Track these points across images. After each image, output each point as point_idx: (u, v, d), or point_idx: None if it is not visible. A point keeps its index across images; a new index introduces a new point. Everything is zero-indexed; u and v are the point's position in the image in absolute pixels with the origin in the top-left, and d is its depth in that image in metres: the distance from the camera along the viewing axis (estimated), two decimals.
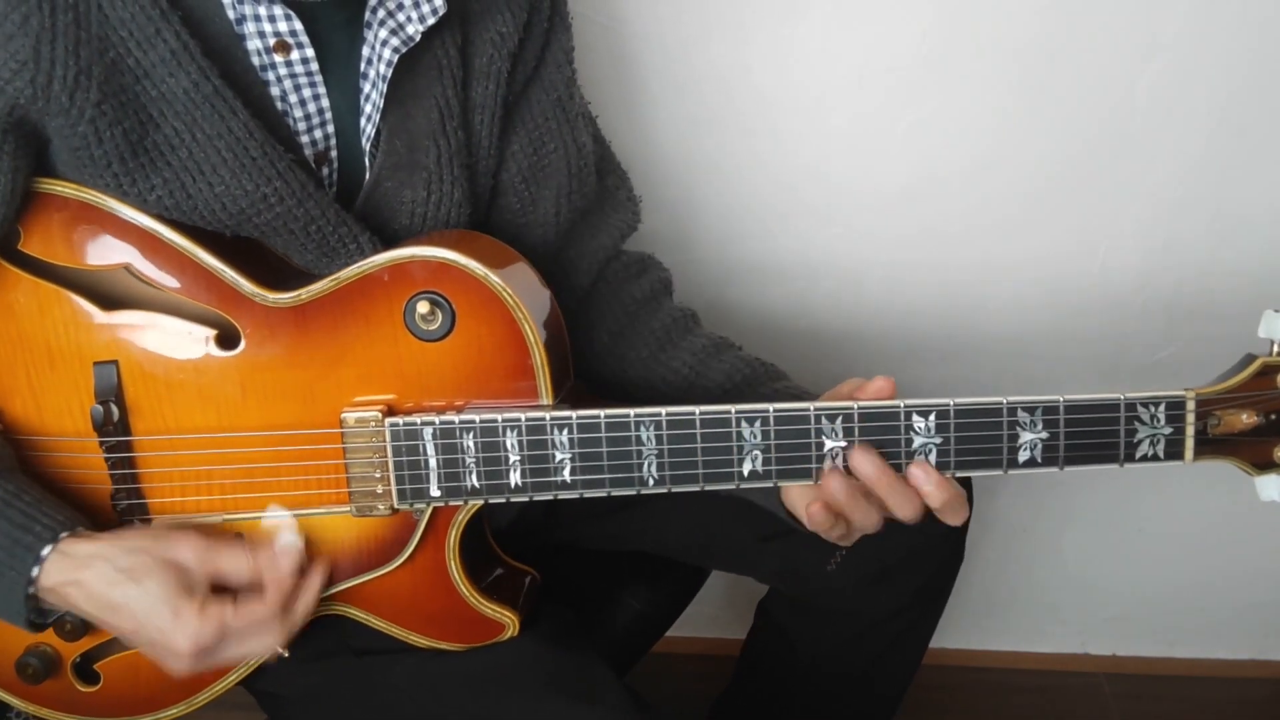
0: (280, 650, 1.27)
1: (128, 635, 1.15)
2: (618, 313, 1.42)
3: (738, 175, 1.84)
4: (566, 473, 1.16)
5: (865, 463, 1.13)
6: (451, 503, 1.20)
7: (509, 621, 1.28)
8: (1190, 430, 1.12)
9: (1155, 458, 1.13)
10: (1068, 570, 2.17)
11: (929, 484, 1.14)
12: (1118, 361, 1.92)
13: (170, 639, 1.10)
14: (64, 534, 1.13)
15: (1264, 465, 1.14)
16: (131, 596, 1.11)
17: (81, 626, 1.24)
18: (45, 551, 1.12)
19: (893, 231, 1.85)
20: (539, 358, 1.18)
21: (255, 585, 1.14)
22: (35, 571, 1.11)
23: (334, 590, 1.25)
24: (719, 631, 2.20)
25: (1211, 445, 1.13)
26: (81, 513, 1.18)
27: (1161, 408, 1.12)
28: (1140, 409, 1.12)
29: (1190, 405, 1.12)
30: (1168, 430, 1.12)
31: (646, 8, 1.73)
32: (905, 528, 1.44)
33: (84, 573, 1.12)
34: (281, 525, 1.21)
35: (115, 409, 1.20)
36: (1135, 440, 1.12)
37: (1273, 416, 1.12)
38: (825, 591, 1.51)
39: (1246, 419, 1.12)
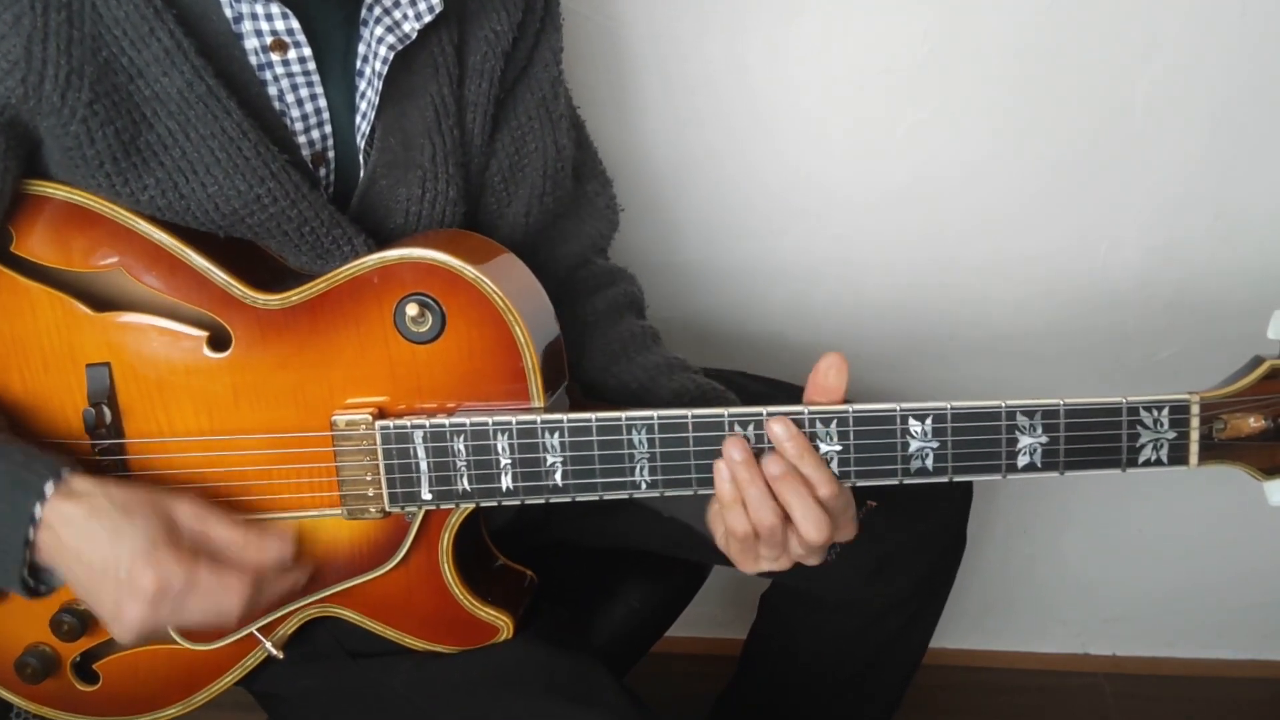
0: (276, 652, 1.27)
1: (98, 569, 1.09)
2: (576, 323, 1.41)
3: (737, 176, 1.84)
4: (558, 476, 1.16)
5: (777, 426, 1.12)
6: (443, 506, 1.20)
7: (504, 624, 1.28)
8: (1195, 435, 1.10)
9: (1159, 463, 1.11)
10: (1068, 571, 2.16)
11: (824, 484, 1.12)
12: (1118, 362, 1.92)
13: (139, 573, 1.07)
14: (64, 470, 1.10)
15: (1273, 470, 1.12)
16: (117, 527, 1.08)
17: (80, 626, 1.24)
18: (48, 488, 1.09)
19: (893, 232, 1.85)
20: (530, 360, 1.17)
21: (235, 558, 1.12)
22: (38, 509, 1.09)
23: (328, 593, 1.25)
24: (719, 631, 2.20)
25: (1217, 450, 1.11)
26: None
27: (1165, 411, 1.10)
28: (1143, 413, 1.10)
29: (1195, 409, 1.10)
30: (1171, 435, 1.11)
31: (644, 6, 1.73)
32: (906, 520, 1.44)
33: (78, 504, 1.09)
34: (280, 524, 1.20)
35: (108, 411, 1.20)
36: (1138, 445, 1.11)
37: None
38: (827, 583, 1.50)
39: (1254, 423, 1.10)
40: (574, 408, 1.19)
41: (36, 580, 1.13)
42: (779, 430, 1.11)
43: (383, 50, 1.21)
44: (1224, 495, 1.99)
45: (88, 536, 1.09)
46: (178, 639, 1.25)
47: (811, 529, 1.12)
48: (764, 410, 1.12)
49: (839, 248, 1.87)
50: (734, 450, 1.12)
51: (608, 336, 1.41)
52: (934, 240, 1.85)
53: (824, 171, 1.82)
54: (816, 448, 1.12)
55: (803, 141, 1.80)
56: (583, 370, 1.40)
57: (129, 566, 1.08)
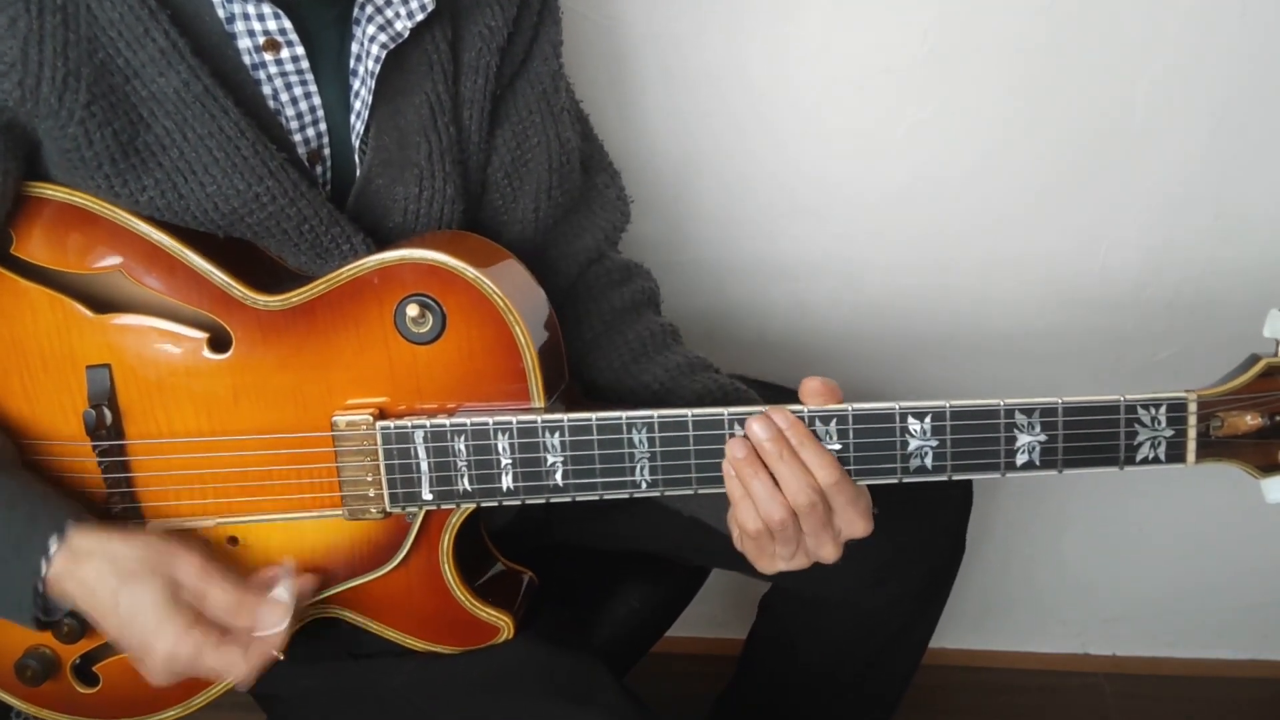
0: (276, 653, 1.27)
1: (112, 633, 1.15)
2: (594, 320, 1.41)
3: (737, 175, 1.83)
4: (559, 476, 1.16)
5: (760, 427, 1.12)
6: (443, 506, 1.20)
7: (504, 625, 1.28)
8: (1192, 433, 1.11)
9: (1156, 460, 1.12)
10: (1067, 570, 2.16)
11: (822, 467, 1.12)
12: (1118, 362, 1.92)
13: (149, 648, 1.12)
14: (69, 526, 1.13)
15: (1269, 468, 1.13)
16: (122, 598, 1.12)
17: (79, 629, 1.24)
18: (53, 547, 1.12)
19: (893, 231, 1.85)
20: (530, 360, 1.17)
21: (233, 623, 1.15)
22: (44, 568, 1.12)
23: (328, 594, 1.25)
24: (719, 631, 2.20)
25: (1214, 447, 1.12)
26: None
27: (1163, 409, 1.10)
28: (1141, 410, 1.10)
29: (1192, 407, 1.10)
30: (1169, 432, 1.11)
31: (644, 5, 1.73)
32: (906, 522, 1.44)
33: (84, 567, 1.12)
34: (282, 578, 1.21)
35: (108, 413, 1.20)
36: (1136, 443, 1.11)
37: (1278, 418, 1.11)
38: (826, 587, 1.50)
39: (1251, 421, 1.10)
40: (574, 408, 1.19)
41: (49, 617, 1.17)
42: (779, 420, 1.12)
43: (375, 49, 1.21)
44: (1224, 495, 2.00)
45: (94, 603, 1.14)
46: None
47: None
48: (763, 408, 1.13)
49: (839, 247, 1.87)
50: (735, 449, 1.13)
51: (628, 336, 1.41)
52: (934, 240, 1.85)
53: (824, 171, 1.82)
54: None
55: (803, 141, 1.80)
56: (602, 370, 1.40)
57: (136, 642, 1.13)
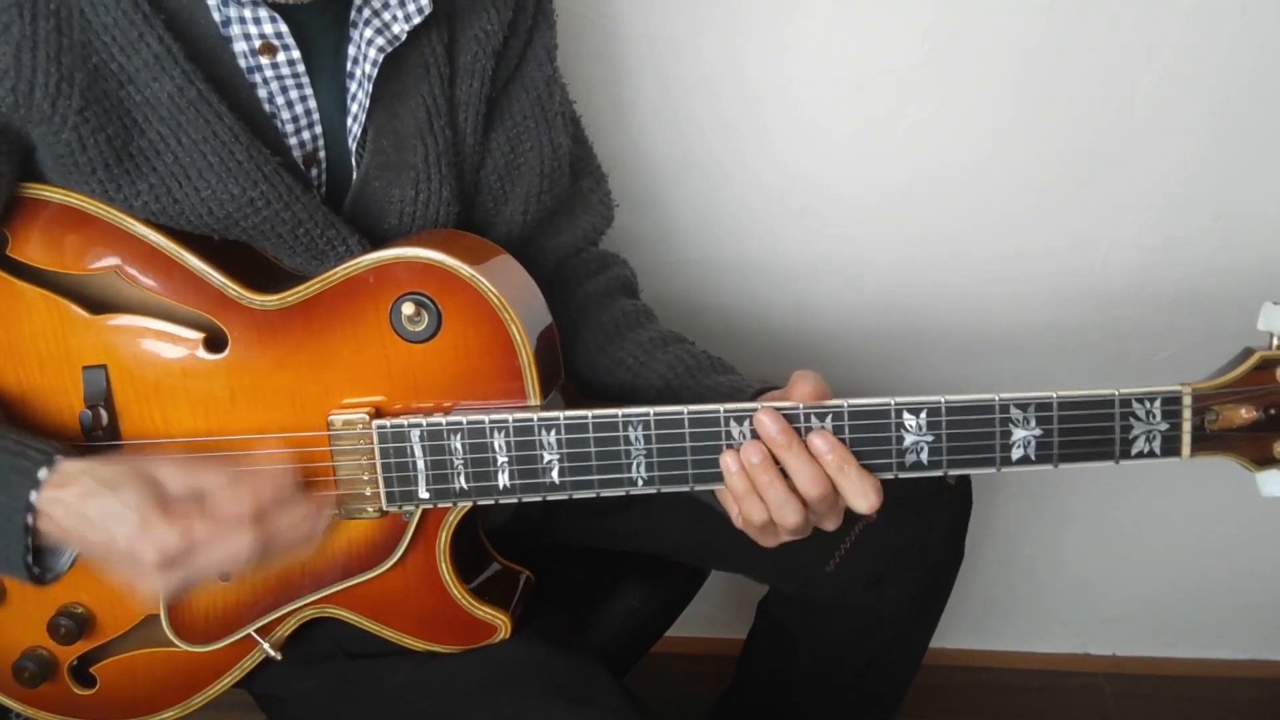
0: (274, 653, 1.27)
1: (101, 549, 1.09)
2: (569, 308, 1.41)
3: (736, 175, 1.84)
4: (555, 474, 1.16)
5: (767, 422, 1.12)
6: (440, 505, 1.20)
7: (501, 624, 1.28)
8: (1187, 426, 1.11)
9: (1152, 454, 1.12)
10: (1067, 570, 2.16)
11: (829, 452, 1.12)
12: (1118, 361, 1.92)
13: (137, 548, 1.06)
14: (57, 456, 1.10)
15: (1264, 461, 1.12)
16: (106, 505, 1.07)
17: (77, 630, 1.24)
18: (42, 474, 1.08)
19: (893, 231, 1.85)
20: (526, 358, 1.17)
21: (230, 502, 1.09)
22: (34, 496, 1.08)
23: (325, 593, 1.25)
24: (719, 631, 2.19)
25: (1209, 441, 1.12)
26: None
27: (1157, 403, 1.10)
28: (1135, 404, 1.10)
29: (1187, 400, 1.10)
30: (1164, 426, 1.11)
31: (641, 6, 1.73)
32: (906, 524, 1.44)
33: (69, 489, 1.08)
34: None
35: (104, 413, 1.20)
36: (1131, 436, 1.11)
37: (1272, 411, 1.10)
38: (825, 590, 1.50)
39: (1245, 414, 1.10)
40: (570, 405, 1.19)
41: (41, 568, 1.12)
42: (769, 429, 1.12)
43: (373, 52, 1.21)
44: (1223, 496, 1.99)
45: (83, 520, 1.08)
46: (177, 642, 1.26)
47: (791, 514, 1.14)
48: (758, 406, 1.13)
49: (838, 247, 1.87)
50: (750, 454, 1.13)
51: (600, 319, 1.41)
52: (934, 240, 1.85)
53: (824, 171, 1.82)
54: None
55: (803, 141, 1.80)
56: (577, 355, 1.40)
57: (127, 544, 1.07)
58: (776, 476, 1.13)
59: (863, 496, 1.13)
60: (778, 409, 1.12)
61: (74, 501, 1.08)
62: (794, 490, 1.13)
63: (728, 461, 1.14)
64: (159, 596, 1.13)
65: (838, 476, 1.12)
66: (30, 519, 1.09)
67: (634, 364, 1.36)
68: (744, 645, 1.76)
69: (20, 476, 1.09)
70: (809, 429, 1.12)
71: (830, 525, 1.18)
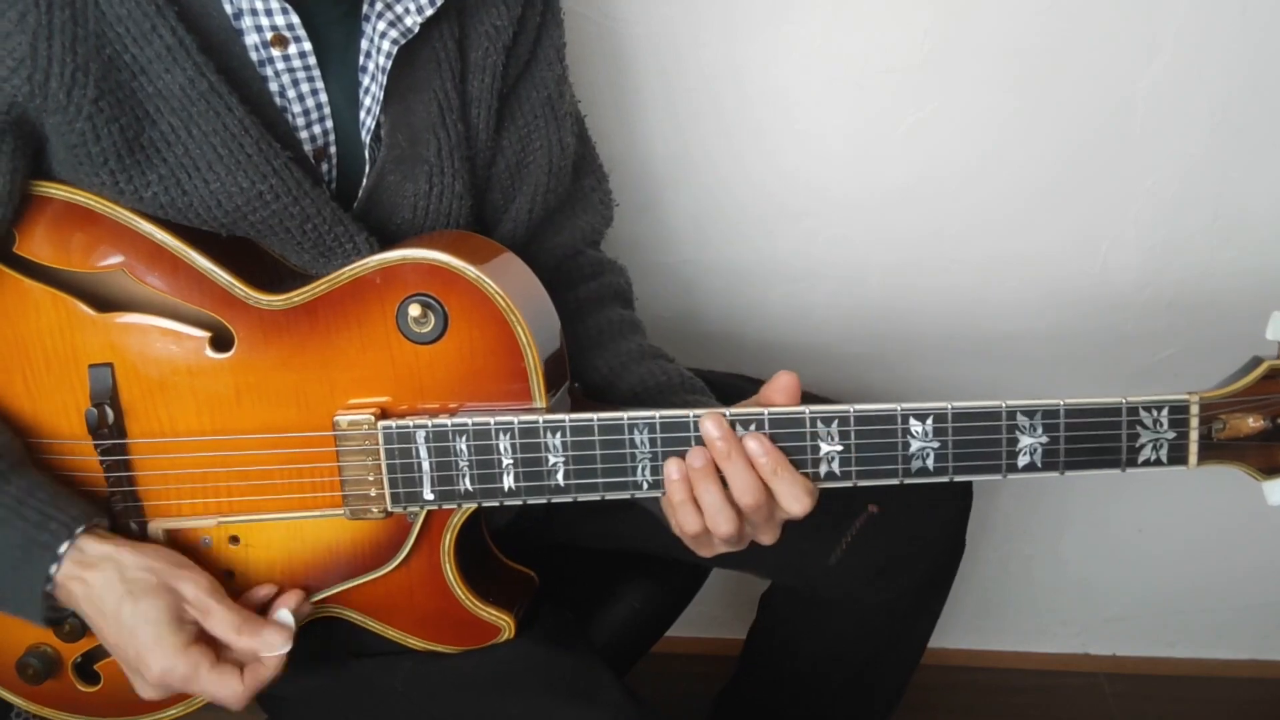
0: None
1: (111, 641, 1.16)
2: (561, 311, 1.41)
3: (736, 175, 1.84)
4: (560, 476, 1.16)
5: (709, 426, 1.12)
6: (445, 506, 1.20)
7: (505, 625, 1.28)
8: (1194, 435, 1.11)
9: (1159, 462, 1.12)
10: (1068, 570, 2.17)
11: (763, 455, 1.12)
12: (1119, 362, 1.92)
13: (144, 662, 1.13)
14: (79, 530, 1.14)
15: (1271, 470, 1.12)
16: (125, 609, 1.13)
17: (81, 628, 1.24)
18: (63, 549, 1.13)
19: (893, 232, 1.85)
20: (532, 360, 1.17)
21: (234, 646, 1.16)
22: (54, 569, 1.13)
23: (329, 593, 1.25)
24: (719, 631, 2.20)
25: (1216, 450, 1.12)
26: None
27: (1164, 412, 1.10)
28: (1143, 413, 1.10)
29: (1194, 409, 1.10)
30: (1171, 435, 1.11)
31: (643, 6, 1.73)
32: (906, 521, 1.44)
33: (91, 573, 1.13)
34: (282, 619, 1.21)
35: (110, 411, 1.20)
36: (1138, 445, 1.11)
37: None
38: (828, 583, 1.50)
39: (1253, 423, 1.10)
40: (575, 408, 1.19)
41: (56, 615, 1.19)
42: (710, 428, 1.13)
43: (386, 45, 1.21)
44: (1224, 496, 2.00)
45: (99, 611, 1.14)
46: None
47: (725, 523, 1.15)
48: (765, 411, 1.13)
49: (838, 247, 1.87)
50: (694, 458, 1.14)
51: (587, 324, 1.42)
52: (934, 240, 1.85)
53: (823, 171, 1.82)
54: (817, 447, 1.13)
55: (802, 141, 1.80)
56: None
57: (132, 655, 1.14)
58: (714, 483, 1.13)
59: (796, 500, 1.13)
60: (785, 414, 1.12)
61: (93, 587, 1.14)
62: (729, 499, 1.14)
63: (670, 469, 1.14)
64: (150, 697, 1.17)
65: (771, 480, 1.13)
66: (50, 588, 1.14)
67: (609, 373, 1.37)
68: (746, 639, 1.77)
69: (41, 551, 1.14)
70: (814, 434, 1.12)
71: (767, 539, 1.19)
